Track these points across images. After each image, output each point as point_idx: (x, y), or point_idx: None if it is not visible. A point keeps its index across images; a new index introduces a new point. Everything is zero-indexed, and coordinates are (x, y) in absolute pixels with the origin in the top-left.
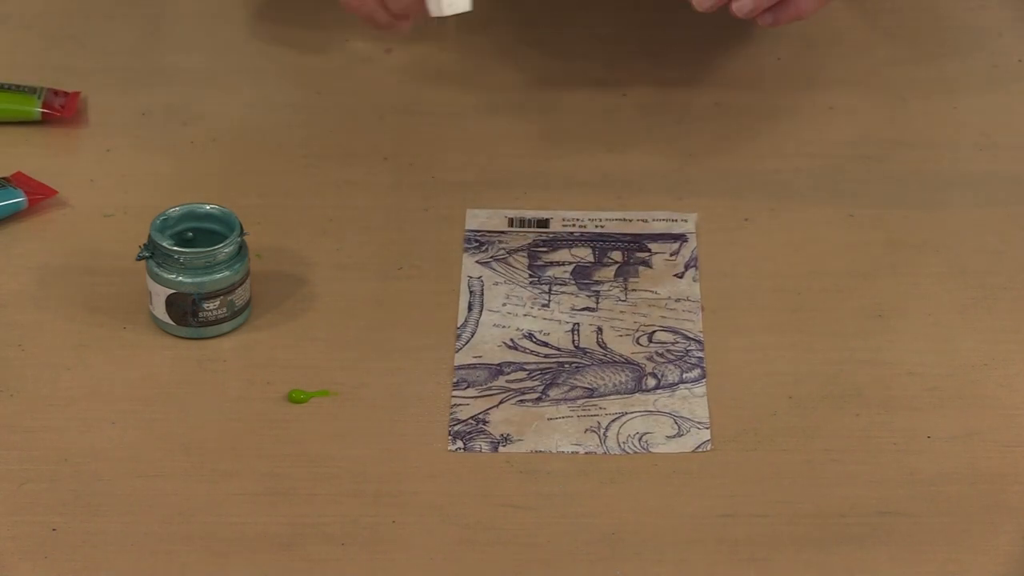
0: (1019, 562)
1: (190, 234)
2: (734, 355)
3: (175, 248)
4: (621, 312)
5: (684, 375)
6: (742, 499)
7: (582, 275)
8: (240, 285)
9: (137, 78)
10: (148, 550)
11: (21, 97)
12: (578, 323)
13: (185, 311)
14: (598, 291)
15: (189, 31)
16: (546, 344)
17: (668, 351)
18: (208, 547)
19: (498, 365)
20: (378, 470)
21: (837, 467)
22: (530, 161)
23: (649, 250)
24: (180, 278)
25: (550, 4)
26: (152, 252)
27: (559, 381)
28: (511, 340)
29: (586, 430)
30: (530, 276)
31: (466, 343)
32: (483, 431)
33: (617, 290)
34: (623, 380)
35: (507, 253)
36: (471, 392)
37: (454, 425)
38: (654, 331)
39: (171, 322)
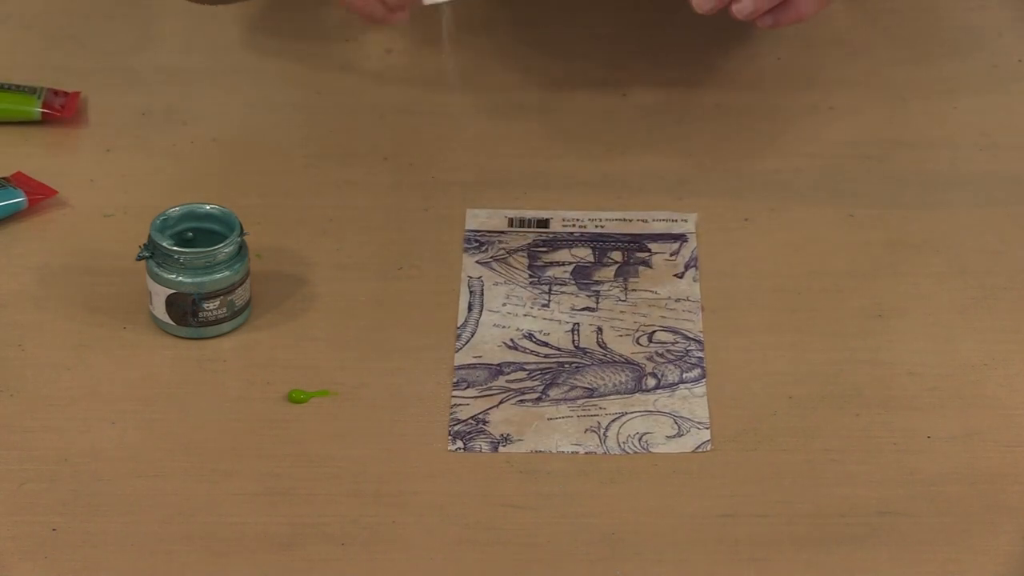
0: (1019, 562)
1: (190, 234)
2: (734, 355)
3: (175, 248)
4: (621, 312)
5: (684, 375)
6: (742, 499)
7: (582, 275)
8: (240, 285)
9: (137, 78)
10: (148, 550)
11: (21, 97)
12: (578, 323)
13: (185, 311)
14: (598, 291)
15: (189, 31)
16: (546, 344)
17: (668, 351)
18: (208, 547)
19: (498, 365)
20: (378, 470)
21: (837, 467)
22: (530, 161)
23: (649, 250)
24: (180, 278)
25: (550, 4)
26: (152, 252)
27: (559, 381)
28: (511, 340)
29: (586, 430)
30: (530, 276)
31: (466, 343)
32: (483, 431)
33: (617, 290)
34: (623, 380)
35: (507, 253)
36: (471, 392)
37: (454, 425)
38: (654, 331)
39: (171, 322)
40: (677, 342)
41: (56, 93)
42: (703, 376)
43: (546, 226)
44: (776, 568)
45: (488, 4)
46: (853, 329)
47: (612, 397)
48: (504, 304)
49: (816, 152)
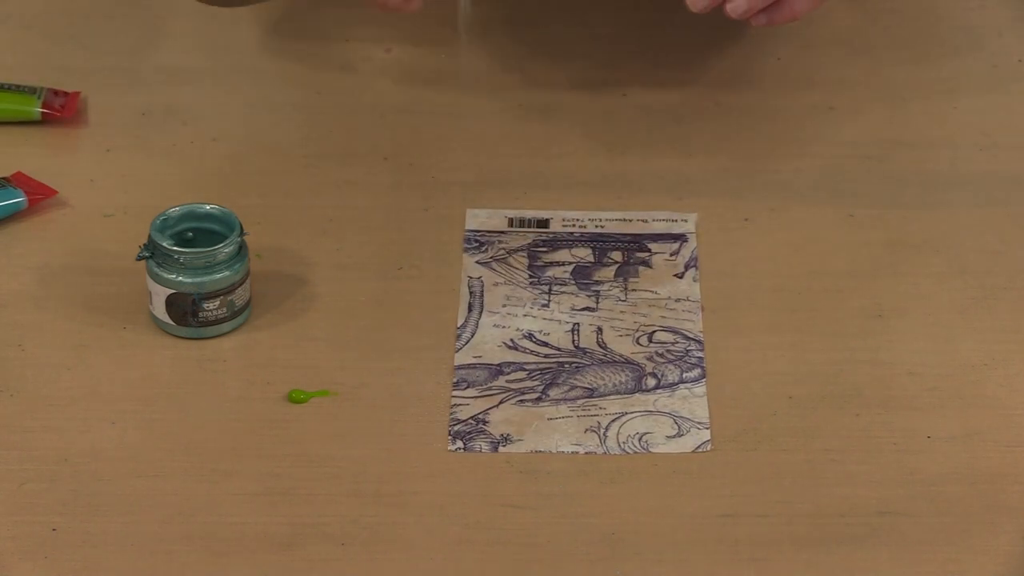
0: (1019, 562)
1: (190, 234)
2: (734, 355)
3: (175, 248)
4: (621, 312)
5: (684, 375)
6: (742, 499)
7: (582, 275)
8: (240, 285)
9: (137, 78)
10: (148, 550)
11: (21, 97)
12: (578, 323)
13: (185, 311)
14: (598, 291)
15: (189, 31)
16: (546, 344)
17: (668, 351)
18: (208, 547)
19: (498, 365)
20: (378, 470)
21: (837, 467)
22: (530, 161)
23: (649, 250)
24: (180, 278)
25: (550, 4)
26: (152, 252)
27: (559, 381)
28: (511, 340)
29: (586, 430)
30: (530, 276)
31: (466, 343)
32: (483, 431)
33: (617, 290)
34: (623, 380)
35: (507, 253)
36: (471, 392)
37: (454, 425)
38: (654, 331)
39: (171, 322)
40: (677, 342)
41: (56, 93)
42: (703, 376)
43: (546, 226)
44: (776, 568)
45: (488, 4)
46: (853, 329)
47: (612, 397)
48: (504, 304)
49: (816, 152)
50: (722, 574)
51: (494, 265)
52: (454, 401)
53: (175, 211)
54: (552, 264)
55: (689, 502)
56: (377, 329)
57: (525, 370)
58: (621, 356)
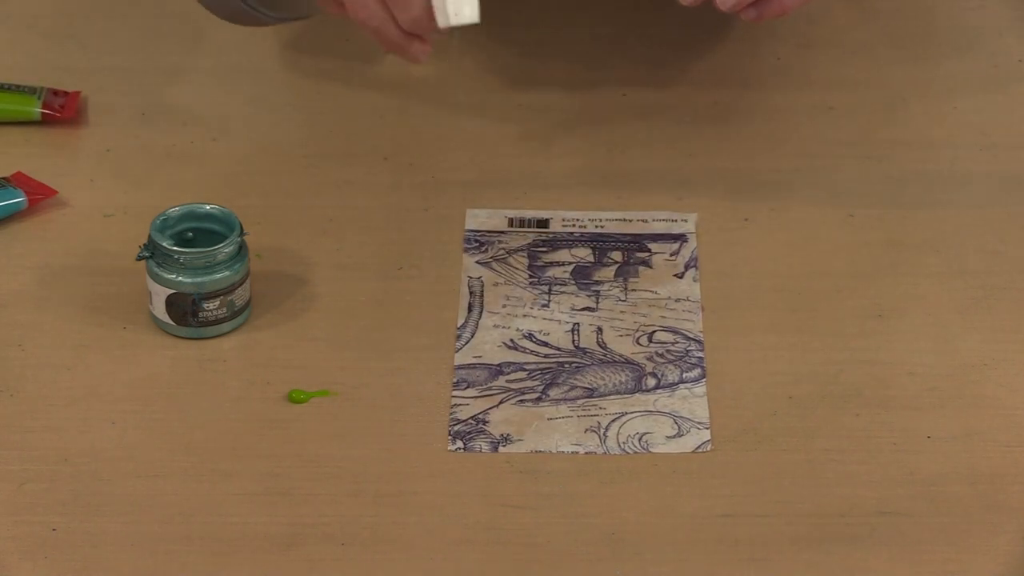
0: (1019, 562)
1: (190, 234)
2: (734, 355)
3: (175, 248)
4: (621, 312)
5: (684, 375)
6: (742, 499)
7: (582, 275)
8: (240, 285)
9: (137, 78)
10: (148, 550)
11: (21, 97)
12: (578, 323)
13: (185, 311)
14: (598, 291)
15: (189, 31)
16: (546, 344)
17: (668, 351)
18: (208, 547)
19: (498, 365)
20: (378, 470)
21: (837, 467)
22: (530, 161)
23: (649, 250)
24: (180, 278)
25: (550, 4)
26: (152, 252)
27: (559, 381)
28: (511, 340)
29: (586, 430)
30: (530, 276)
31: (466, 343)
32: (483, 431)
33: (617, 290)
34: (623, 380)
35: (507, 253)
36: (471, 392)
37: (454, 425)
38: (654, 331)
39: (171, 322)
40: (677, 342)
41: (56, 93)
42: (703, 376)
43: (546, 226)
44: (776, 568)
45: (488, 4)
46: (853, 329)
47: (612, 397)
48: (504, 304)
49: (816, 152)
50: (722, 574)
51: (494, 265)
52: (454, 401)
53: (175, 211)
54: (552, 264)
55: (689, 502)
56: (377, 329)
57: (525, 370)
58: (621, 356)
